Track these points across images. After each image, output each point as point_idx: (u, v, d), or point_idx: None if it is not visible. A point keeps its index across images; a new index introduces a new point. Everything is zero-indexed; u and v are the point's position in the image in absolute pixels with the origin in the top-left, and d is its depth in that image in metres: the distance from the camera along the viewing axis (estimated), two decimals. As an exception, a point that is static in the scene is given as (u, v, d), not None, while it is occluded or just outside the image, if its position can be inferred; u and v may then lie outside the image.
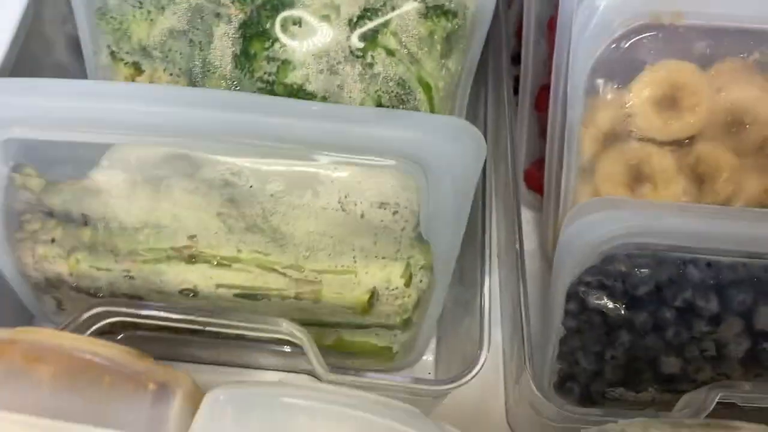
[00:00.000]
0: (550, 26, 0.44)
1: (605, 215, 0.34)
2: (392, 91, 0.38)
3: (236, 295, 0.35)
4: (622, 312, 0.35)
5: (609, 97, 0.38)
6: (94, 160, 0.32)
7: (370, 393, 0.27)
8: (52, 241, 0.34)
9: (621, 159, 0.38)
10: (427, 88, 0.38)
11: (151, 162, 0.31)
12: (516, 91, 0.48)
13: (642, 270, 0.35)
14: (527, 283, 0.41)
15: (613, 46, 0.37)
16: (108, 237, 0.33)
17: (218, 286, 0.35)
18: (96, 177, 0.31)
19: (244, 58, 0.37)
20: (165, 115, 0.30)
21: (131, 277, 0.35)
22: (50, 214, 0.34)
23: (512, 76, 0.49)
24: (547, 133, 0.43)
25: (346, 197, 0.32)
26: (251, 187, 0.32)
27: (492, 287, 0.38)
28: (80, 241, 0.34)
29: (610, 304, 0.35)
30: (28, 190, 0.33)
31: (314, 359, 0.32)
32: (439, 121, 0.30)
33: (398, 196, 0.32)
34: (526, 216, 0.50)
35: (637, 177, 0.39)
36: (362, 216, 0.33)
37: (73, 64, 0.42)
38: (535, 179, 0.47)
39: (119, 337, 0.36)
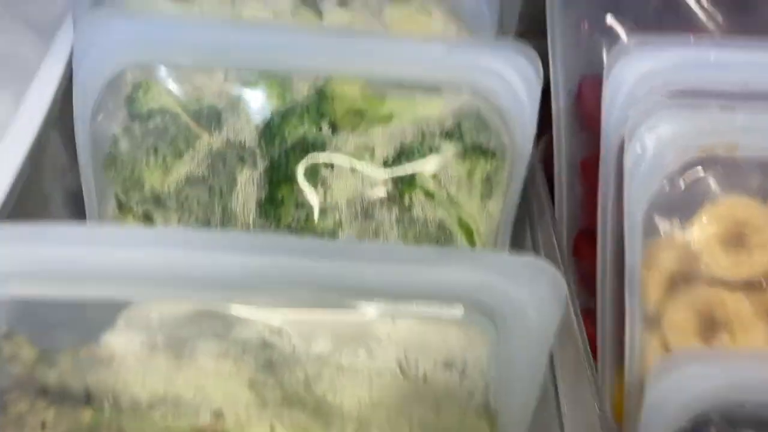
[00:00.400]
0: (584, 167, 0.42)
1: (694, 371, 0.30)
2: (432, 236, 0.34)
3: (267, 486, 0.28)
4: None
5: (671, 236, 0.34)
6: (102, 322, 0.26)
7: None
8: (42, 426, 0.28)
9: (691, 305, 0.34)
10: (468, 232, 0.35)
11: (176, 322, 0.26)
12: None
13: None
14: None
15: (669, 182, 0.35)
16: (115, 418, 0.27)
17: (246, 474, 0.28)
18: (109, 341, 0.26)
19: (269, 205, 0.33)
20: (194, 264, 0.25)
21: (139, 467, 0.28)
22: (43, 391, 0.27)
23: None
24: (596, 280, 0.39)
25: (405, 356, 0.27)
26: (294, 347, 0.26)
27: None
28: (78, 425, 0.28)
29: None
30: (19, 363, 0.27)
31: None
32: (512, 261, 0.26)
33: (465, 353, 0.27)
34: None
35: (710, 325, 0.34)
36: (425, 380, 0.27)
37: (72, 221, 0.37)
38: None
39: None
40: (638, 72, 0.35)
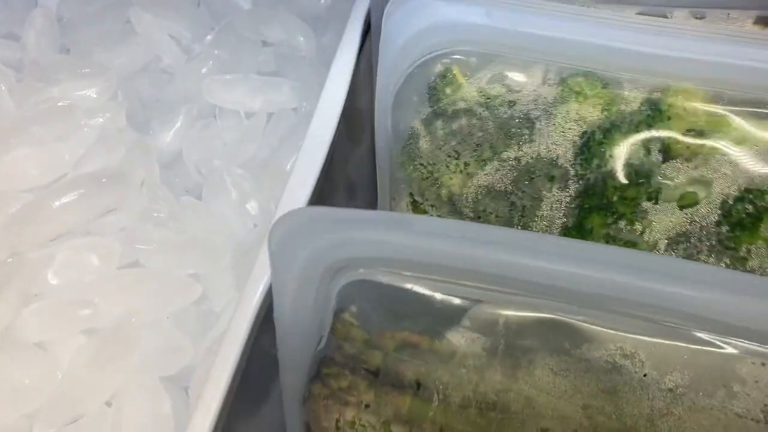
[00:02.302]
0: None
1: None
2: None
3: None
4: None
5: None
6: (449, 318, 0.26)
7: None
8: (366, 406, 0.28)
9: None
10: None
11: (521, 329, 0.26)
12: None
13: None
14: None
15: None
16: (441, 413, 0.27)
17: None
18: (452, 338, 0.26)
19: (576, 233, 0.33)
20: (555, 272, 0.25)
21: (452, 470, 0.28)
22: (374, 372, 0.28)
23: None
24: None
25: (772, 405, 0.25)
26: (644, 376, 0.26)
27: None
28: (398, 412, 0.28)
29: None
30: (349, 341, 0.28)
31: None
32: None
33: None
34: None
35: None
36: (790, 434, 0.25)
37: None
38: None
39: None
40: None
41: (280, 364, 0.32)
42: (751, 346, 0.26)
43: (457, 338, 0.29)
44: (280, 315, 0.31)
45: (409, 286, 0.28)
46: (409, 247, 0.27)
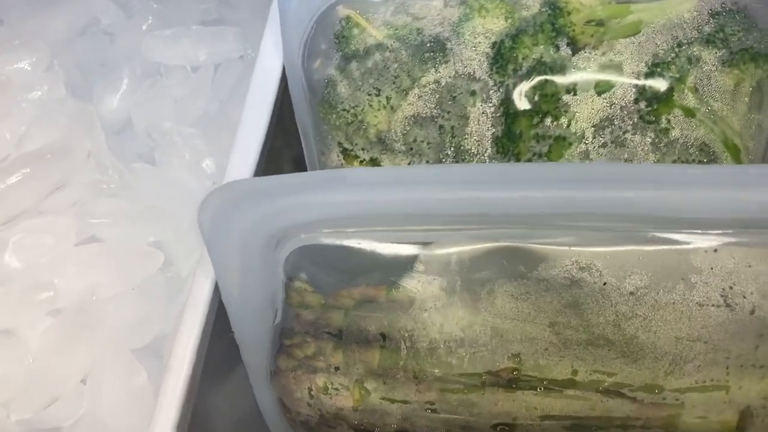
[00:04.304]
0: None
1: None
2: (693, 159, 0.33)
3: (566, 428, 0.28)
4: None
5: None
6: (403, 266, 0.26)
7: None
8: (335, 369, 0.28)
9: None
10: (734, 151, 0.33)
11: (475, 262, 0.26)
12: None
13: None
14: None
15: None
16: (412, 359, 0.28)
17: (544, 417, 0.28)
18: (408, 285, 0.26)
19: (507, 140, 0.32)
20: (498, 200, 0.24)
21: (433, 410, 0.28)
22: (338, 334, 0.28)
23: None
24: None
25: (731, 288, 0.25)
26: (604, 284, 0.25)
27: None
28: (369, 367, 0.28)
29: None
30: (306, 308, 0.28)
31: None
32: None
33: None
34: None
35: None
36: (752, 312, 0.25)
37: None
38: None
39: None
40: None
41: (239, 344, 0.30)
42: (701, 235, 0.25)
43: (413, 284, 0.27)
44: (227, 296, 0.29)
45: (355, 242, 0.27)
46: (347, 203, 0.26)
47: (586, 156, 0.33)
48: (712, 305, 0.26)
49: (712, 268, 0.26)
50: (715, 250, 0.26)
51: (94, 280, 0.35)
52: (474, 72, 0.34)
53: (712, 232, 0.26)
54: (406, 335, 0.28)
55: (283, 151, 0.40)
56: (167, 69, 0.47)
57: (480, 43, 0.34)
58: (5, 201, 0.37)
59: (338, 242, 0.27)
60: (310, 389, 0.30)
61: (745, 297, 0.26)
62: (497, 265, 0.27)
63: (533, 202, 0.25)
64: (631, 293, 0.26)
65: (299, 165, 0.38)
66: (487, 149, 0.34)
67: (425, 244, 0.27)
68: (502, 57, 0.33)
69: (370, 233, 0.27)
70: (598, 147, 0.33)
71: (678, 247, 0.26)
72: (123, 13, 0.51)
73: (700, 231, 0.26)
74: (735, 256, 0.26)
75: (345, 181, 0.26)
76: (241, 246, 0.27)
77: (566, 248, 0.26)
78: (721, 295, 0.26)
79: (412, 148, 0.34)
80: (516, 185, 0.26)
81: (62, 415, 0.34)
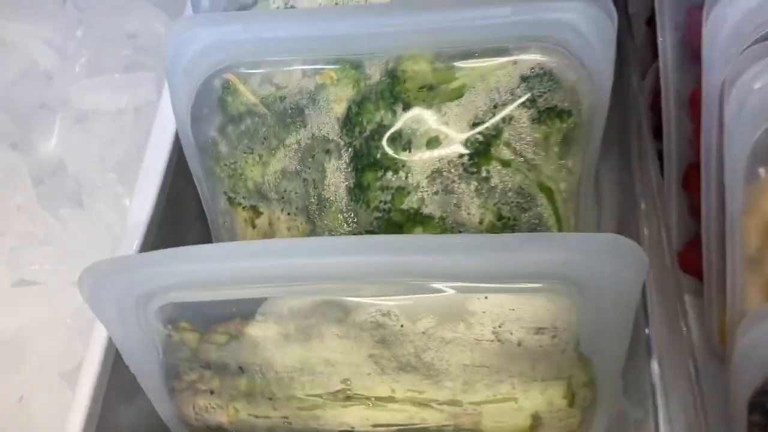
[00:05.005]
0: (692, 101, 0.43)
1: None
2: (512, 202, 0.39)
3: (394, 433, 0.35)
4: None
5: (771, 182, 0.36)
6: (247, 313, 0.33)
7: None
8: (211, 392, 0.36)
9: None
10: (548, 192, 0.39)
11: (302, 312, 0.33)
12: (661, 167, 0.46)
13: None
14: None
15: (773, 128, 0.36)
16: (265, 386, 0.35)
17: (375, 425, 0.36)
18: (251, 330, 0.33)
19: (358, 191, 0.38)
20: (313, 266, 0.31)
21: (289, 423, 0.36)
22: (207, 366, 0.36)
23: (655, 150, 0.47)
24: (701, 216, 0.41)
25: (500, 326, 0.32)
26: (402, 326, 0.33)
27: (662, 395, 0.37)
28: (238, 391, 0.36)
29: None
30: (186, 345, 0.36)
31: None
32: (593, 240, 0.31)
33: (555, 319, 0.32)
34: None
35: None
36: (519, 344, 0.33)
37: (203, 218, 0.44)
38: (691, 262, 0.46)
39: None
40: (741, 9, 0.35)
41: (134, 373, 0.38)
42: (474, 285, 0.32)
43: (255, 330, 0.34)
44: (115, 339, 0.36)
45: (211, 297, 0.34)
46: (194, 272, 0.33)
47: (422, 202, 0.39)
48: (487, 340, 0.33)
49: (484, 312, 0.33)
50: (486, 297, 0.33)
51: (26, 317, 0.43)
52: (328, 134, 0.40)
53: (483, 284, 0.33)
54: (257, 368, 0.36)
55: (186, 189, 0.46)
56: (95, 114, 0.54)
57: (332, 108, 0.40)
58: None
59: (197, 299, 0.34)
60: (194, 407, 0.38)
61: (512, 333, 0.33)
62: (321, 313, 0.34)
63: (341, 267, 0.32)
64: (423, 332, 0.34)
65: (199, 203, 0.45)
66: (343, 198, 0.40)
67: (262, 299, 0.34)
68: (350, 121, 0.40)
69: (217, 292, 0.34)
70: (432, 194, 0.39)
71: (456, 296, 0.33)
72: (58, 57, 0.57)
73: (474, 283, 0.33)
74: (501, 302, 0.33)
75: (189, 256, 0.33)
76: (118, 306, 0.34)
77: (370, 299, 0.33)
78: (493, 332, 0.33)
79: (283, 197, 0.41)
80: (328, 254, 0.33)
81: (5, 428, 0.41)
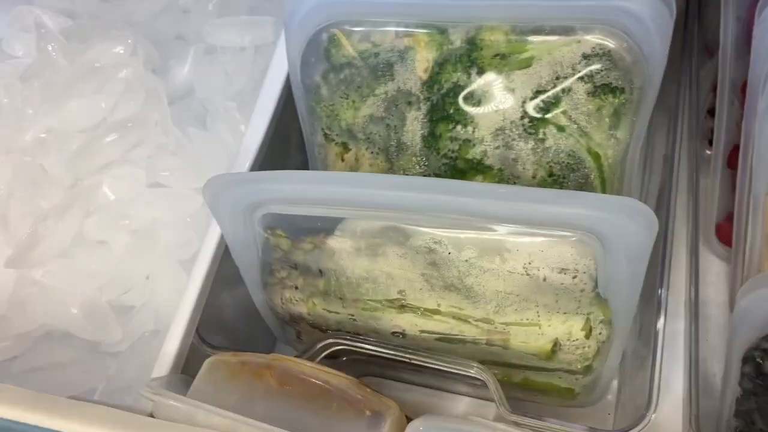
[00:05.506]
0: (743, 88, 0.48)
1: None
2: (563, 162, 0.45)
3: (437, 339, 0.44)
4: (798, 380, 0.38)
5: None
6: (329, 228, 0.42)
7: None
8: (296, 288, 0.45)
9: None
10: (596, 157, 0.45)
11: (372, 232, 0.41)
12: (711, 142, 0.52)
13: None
14: (713, 335, 0.45)
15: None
16: (338, 287, 0.44)
17: (422, 331, 0.44)
18: (331, 242, 0.42)
19: (431, 139, 0.46)
20: (383, 197, 0.40)
21: (354, 320, 0.45)
22: (294, 266, 0.45)
23: (708, 128, 0.52)
24: (735, 193, 0.46)
25: (530, 263, 0.39)
26: (449, 253, 0.40)
27: (669, 341, 0.43)
28: (316, 289, 0.45)
29: (786, 372, 0.39)
30: (279, 248, 0.45)
31: (498, 400, 0.40)
32: (613, 202, 0.37)
33: (577, 263, 0.39)
34: (718, 268, 0.53)
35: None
36: (544, 279, 0.40)
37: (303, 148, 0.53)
38: (727, 234, 0.51)
39: (344, 359, 0.46)
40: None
41: (238, 266, 0.47)
42: (511, 227, 0.39)
43: (334, 242, 0.43)
44: (227, 238, 0.46)
45: (302, 212, 0.42)
46: (293, 190, 0.42)
47: (484, 154, 0.47)
48: (518, 273, 0.41)
49: (518, 250, 0.40)
50: (520, 238, 0.40)
51: (157, 212, 0.53)
52: (411, 88, 0.47)
53: (519, 227, 0.40)
54: (333, 273, 0.45)
55: (291, 123, 0.55)
56: (222, 48, 0.63)
57: (417, 67, 0.48)
58: (103, 153, 0.55)
59: (290, 212, 0.43)
60: (281, 298, 0.48)
61: (539, 270, 0.41)
62: (386, 235, 0.42)
63: (406, 200, 0.40)
64: (466, 260, 0.41)
65: (301, 135, 0.54)
66: (418, 144, 0.48)
67: (341, 218, 0.43)
68: (431, 79, 0.47)
69: (309, 208, 0.43)
70: (494, 148, 0.46)
71: (497, 235, 0.40)
72: (195, -5, 0.66)
73: (512, 225, 0.40)
74: (533, 243, 0.40)
75: (287, 179, 0.42)
76: (230, 211, 0.44)
77: (426, 229, 0.41)
78: (523, 267, 0.41)
79: (368, 138, 0.49)
80: (396, 189, 0.40)
81: (134, 299, 0.52)
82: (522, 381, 0.48)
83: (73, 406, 0.36)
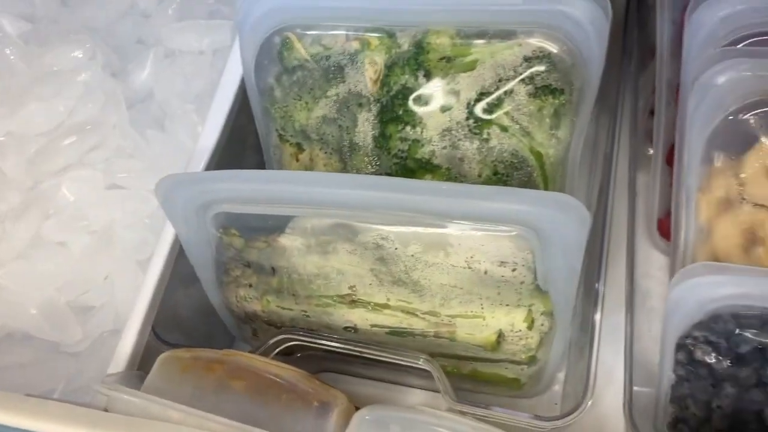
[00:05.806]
0: (678, 90, 0.50)
1: (709, 279, 0.40)
2: (507, 161, 0.47)
3: (387, 333, 0.46)
4: (727, 366, 0.41)
5: (723, 166, 0.43)
6: (281, 227, 0.43)
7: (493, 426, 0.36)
8: (250, 286, 0.47)
9: (735, 223, 0.44)
10: (538, 156, 0.47)
11: (322, 230, 0.43)
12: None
13: (746, 330, 0.40)
14: (656, 326, 0.47)
15: (728, 119, 0.43)
16: (290, 285, 0.45)
17: (373, 325, 0.45)
18: (282, 240, 0.43)
19: (382, 139, 0.47)
20: (331, 195, 0.41)
21: (307, 316, 0.46)
22: (248, 265, 0.46)
23: (650, 128, 0.55)
24: (672, 189, 0.49)
25: (472, 257, 0.41)
26: (396, 249, 0.42)
27: (612, 333, 0.45)
28: (270, 287, 0.46)
29: (715, 359, 0.41)
30: (232, 247, 0.46)
31: (443, 389, 0.41)
32: (547, 197, 0.39)
33: (515, 256, 0.41)
34: (661, 262, 0.55)
35: (751, 240, 0.44)
36: (486, 272, 0.42)
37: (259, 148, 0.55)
38: (667, 229, 0.53)
39: (299, 355, 0.47)
40: (716, 17, 0.42)
41: (193, 265, 0.49)
42: (455, 224, 0.40)
43: (285, 240, 0.44)
44: (180, 238, 0.47)
45: (254, 211, 0.43)
46: (242, 190, 0.43)
47: (433, 154, 0.48)
48: (461, 267, 0.43)
49: (460, 244, 0.42)
50: (462, 233, 0.42)
51: (116, 213, 0.54)
52: (361, 90, 0.49)
53: (461, 223, 0.41)
54: (285, 270, 0.46)
55: (247, 124, 0.56)
56: (181, 52, 0.64)
57: (367, 69, 0.49)
58: (61, 156, 0.56)
59: (243, 211, 0.45)
60: (236, 297, 0.49)
61: (480, 263, 0.42)
62: (335, 232, 0.44)
63: (354, 198, 0.42)
64: (412, 255, 0.43)
65: (256, 136, 0.55)
66: (369, 144, 0.50)
67: (291, 216, 0.44)
68: (380, 81, 0.49)
69: (257, 207, 0.44)
70: (441, 148, 0.48)
71: (441, 230, 0.42)
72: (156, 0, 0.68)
73: (454, 221, 0.42)
74: (474, 238, 0.42)
75: (240, 178, 0.43)
76: (183, 210, 0.45)
77: (373, 225, 0.43)
78: (465, 261, 0.42)
79: (322, 138, 0.51)
80: (345, 187, 0.42)
81: (93, 299, 0.53)
82: (471, 372, 0.49)
83: (24, 401, 0.37)
